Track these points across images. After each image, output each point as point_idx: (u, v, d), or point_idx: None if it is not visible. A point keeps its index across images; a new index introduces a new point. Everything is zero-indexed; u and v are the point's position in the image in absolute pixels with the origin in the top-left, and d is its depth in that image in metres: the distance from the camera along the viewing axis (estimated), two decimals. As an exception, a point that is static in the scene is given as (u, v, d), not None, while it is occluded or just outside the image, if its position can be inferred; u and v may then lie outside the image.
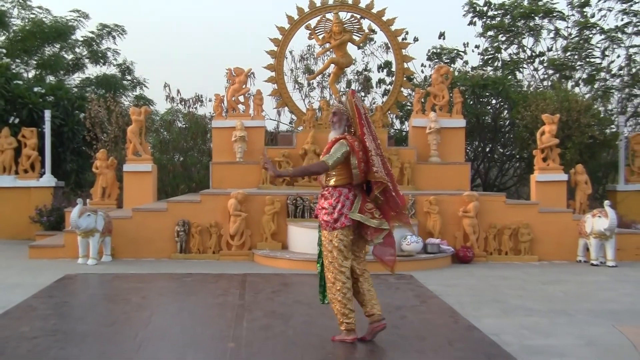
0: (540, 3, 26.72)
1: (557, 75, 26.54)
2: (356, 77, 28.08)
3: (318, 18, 19.94)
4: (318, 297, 8.16)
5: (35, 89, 23.58)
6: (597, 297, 11.35)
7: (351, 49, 20.67)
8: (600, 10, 26.85)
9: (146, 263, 15.05)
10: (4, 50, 26.71)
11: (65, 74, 28.41)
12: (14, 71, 25.26)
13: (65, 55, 28.23)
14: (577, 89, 26.05)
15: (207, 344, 7.94)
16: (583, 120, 21.17)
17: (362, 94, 28.21)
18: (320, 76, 25.41)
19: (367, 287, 7.87)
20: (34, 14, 27.25)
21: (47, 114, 20.87)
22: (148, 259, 15.60)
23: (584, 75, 26.61)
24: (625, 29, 26.41)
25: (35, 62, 27.53)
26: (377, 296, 7.88)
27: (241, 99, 19.48)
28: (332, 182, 7.78)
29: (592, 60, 26.60)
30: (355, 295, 7.84)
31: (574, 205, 18.84)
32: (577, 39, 26.67)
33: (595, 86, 26.44)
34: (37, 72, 27.43)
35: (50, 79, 27.30)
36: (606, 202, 15.28)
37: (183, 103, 26.61)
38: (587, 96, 25.17)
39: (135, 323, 9.23)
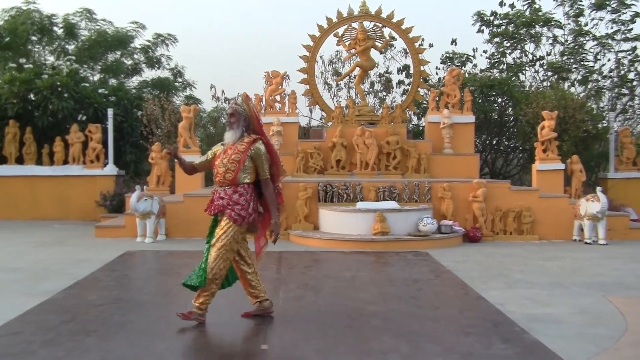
0: (540, 13, 26.54)
1: (555, 76, 26.34)
2: (378, 78, 28.07)
3: (345, 27, 19.93)
4: (185, 280, 7.34)
5: (100, 91, 23.81)
6: (589, 271, 11.27)
7: (374, 54, 20.73)
8: (592, 19, 26.62)
9: (195, 241, 15.08)
10: (74, 57, 26.84)
11: (125, 77, 28.51)
12: (82, 75, 25.43)
13: (125, 61, 28.31)
14: (572, 89, 25.89)
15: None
16: (578, 116, 21.07)
17: (384, 93, 28.21)
18: (346, 78, 25.42)
19: (258, 276, 7.59)
20: (98, 25, 27.32)
21: (110, 112, 21.03)
22: (197, 238, 15.62)
23: (579, 77, 26.41)
24: (615, 36, 26.14)
25: (99, 67, 27.64)
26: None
27: (277, 98, 19.50)
28: (247, 180, 7.22)
29: (585, 63, 26.37)
30: (248, 285, 7.57)
31: (570, 191, 18.70)
32: (572, 44, 26.46)
33: (589, 86, 26.23)
34: (101, 76, 27.54)
35: (113, 81, 27.41)
36: (598, 188, 15.19)
37: (227, 101, 26.70)
38: (581, 95, 24.99)
39: (186, 293, 9.24)
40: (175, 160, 7.61)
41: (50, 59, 27.15)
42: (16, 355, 6.21)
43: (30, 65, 25.63)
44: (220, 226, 7.22)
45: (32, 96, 22.96)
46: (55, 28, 26.26)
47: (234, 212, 7.11)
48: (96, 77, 27.41)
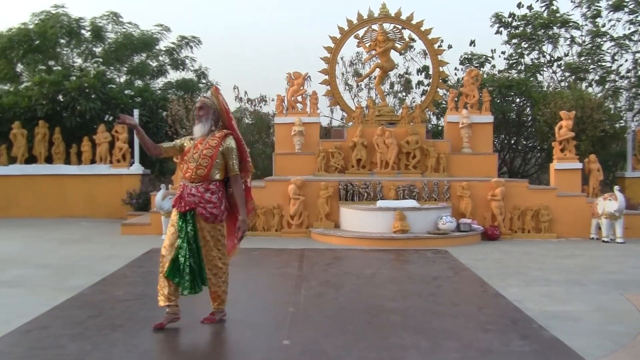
0: (557, 15, 26.39)
1: (573, 77, 26.19)
2: (398, 79, 28.01)
3: (365, 29, 19.95)
4: (184, 291, 6.84)
5: (126, 92, 23.91)
6: (606, 269, 11.21)
7: (394, 55, 20.72)
8: (610, 20, 26.41)
9: (219, 239, 15.13)
10: (101, 59, 27.02)
11: (151, 78, 28.65)
12: (108, 77, 25.59)
13: (151, 63, 28.46)
14: (590, 89, 25.69)
15: (271, 308, 8.01)
16: (595, 116, 20.94)
17: (404, 93, 28.16)
18: (367, 79, 25.40)
19: None
20: (124, 28, 27.48)
21: (136, 112, 21.11)
22: (221, 235, 15.68)
23: (596, 77, 26.21)
24: (632, 37, 25.90)
25: (125, 69, 27.81)
26: None
27: (299, 98, 19.49)
28: (218, 176, 6.96)
29: (603, 64, 26.17)
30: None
31: (587, 190, 18.57)
32: (590, 45, 26.26)
33: (606, 86, 26.03)
34: (128, 77, 27.70)
35: (138, 83, 27.55)
36: (616, 187, 15.10)
37: (250, 102, 26.77)
38: (599, 95, 24.82)
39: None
40: (135, 134, 7.18)
41: (78, 61, 27.35)
42: (46, 348, 6.26)
43: (59, 68, 25.83)
44: (204, 229, 6.91)
45: (60, 97, 23.14)
46: (83, 31, 26.47)
47: (205, 210, 6.86)
48: (122, 79, 27.58)
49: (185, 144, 7.15)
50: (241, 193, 7.08)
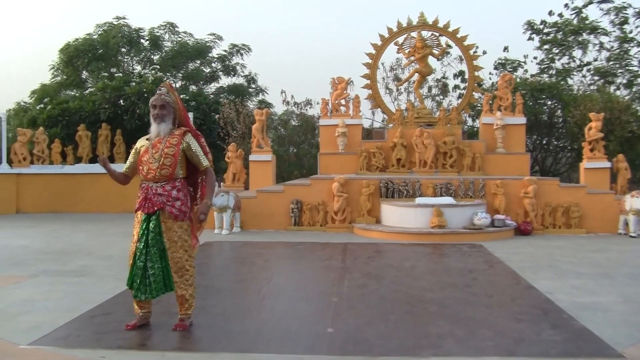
0: (587, 22, 26.17)
1: (602, 80, 25.91)
2: (436, 83, 27.89)
3: (404, 36, 19.87)
4: (142, 296, 6.39)
5: (181, 96, 24.14)
6: (634, 263, 11.05)
7: (432, 60, 20.60)
8: (637, 27, 26.16)
9: (267, 233, 15.22)
10: (158, 66, 27.40)
11: (204, 84, 28.95)
12: (165, 82, 25.92)
13: (204, 69, 28.75)
14: (618, 92, 25.43)
15: (316, 298, 8.03)
16: (623, 117, 20.74)
17: (441, 97, 28.04)
18: (406, 83, 25.30)
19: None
20: (180, 37, 27.84)
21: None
22: (269, 230, 15.77)
23: (624, 81, 25.96)
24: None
25: (181, 75, 28.12)
26: None
27: (342, 102, 19.46)
28: (182, 174, 6.48)
29: (630, 68, 25.92)
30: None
31: (615, 187, 18.32)
32: (618, 50, 26.00)
33: (634, 89, 25.74)
34: (183, 83, 28.01)
35: (193, 88, 27.87)
36: (643, 185, 14.91)
37: (296, 106, 26.82)
38: (626, 98, 24.53)
39: (259, 280, 9.37)
40: (106, 171, 6.74)
41: (138, 68, 27.78)
42: (109, 333, 6.39)
43: (120, 74, 26.26)
44: (171, 229, 6.40)
45: (121, 102, 23.52)
46: (142, 40, 26.90)
47: (174, 209, 6.37)
48: (178, 84, 27.88)
49: (142, 146, 6.69)
50: (213, 184, 6.62)
